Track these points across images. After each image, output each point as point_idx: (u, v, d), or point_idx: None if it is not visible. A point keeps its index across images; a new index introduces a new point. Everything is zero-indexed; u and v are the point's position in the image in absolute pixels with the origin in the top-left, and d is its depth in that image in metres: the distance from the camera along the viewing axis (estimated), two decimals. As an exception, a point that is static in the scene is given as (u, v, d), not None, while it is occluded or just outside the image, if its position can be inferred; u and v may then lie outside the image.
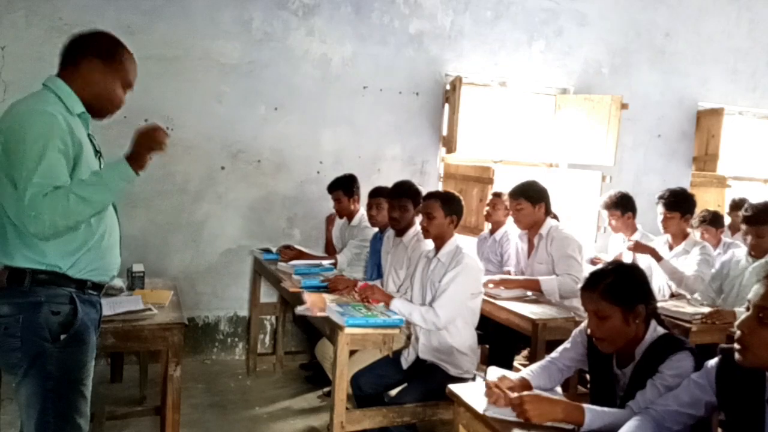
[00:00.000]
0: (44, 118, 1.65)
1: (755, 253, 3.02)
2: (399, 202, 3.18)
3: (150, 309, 2.39)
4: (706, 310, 2.94)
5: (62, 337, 1.74)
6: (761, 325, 1.29)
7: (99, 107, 1.84)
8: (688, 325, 2.81)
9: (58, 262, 1.73)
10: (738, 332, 1.34)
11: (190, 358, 4.09)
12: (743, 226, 3.04)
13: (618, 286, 1.72)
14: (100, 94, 1.81)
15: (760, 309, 1.30)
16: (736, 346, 1.35)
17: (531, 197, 3.24)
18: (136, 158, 1.76)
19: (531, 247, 3.34)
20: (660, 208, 3.53)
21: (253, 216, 4.34)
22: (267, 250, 3.97)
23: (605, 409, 1.63)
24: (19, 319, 1.70)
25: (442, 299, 2.55)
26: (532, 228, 3.29)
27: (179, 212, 4.15)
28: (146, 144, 1.76)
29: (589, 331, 1.77)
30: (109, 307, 2.29)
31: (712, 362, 1.49)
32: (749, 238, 3.02)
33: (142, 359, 3.57)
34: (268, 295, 4.23)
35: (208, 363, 4.25)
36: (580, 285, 2.92)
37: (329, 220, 4.29)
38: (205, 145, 4.17)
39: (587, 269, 3.56)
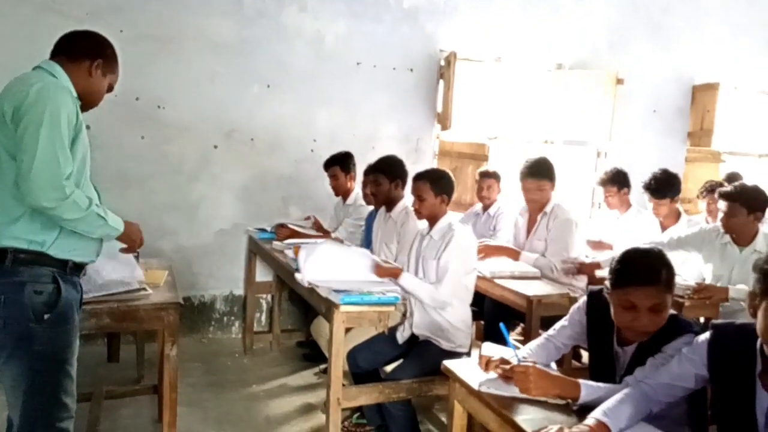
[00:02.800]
0: (68, 96, 1.76)
1: (727, 231, 2.93)
2: (372, 177, 3.26)
3: (145, 289, 2.39)
4: (693, 284, 2.94)
5: (46, 316, 1.74)
6: None
7: (86, 102, 1.90)
8: (681, 300, 2.82)
9: (42, 237, 1.74)
10: None
11: (186, 337, 4.10)
12: (720, 202, 2.97)
13: (672, 274, 1.66)
14: (93, 92, 1.91)
15: None
16: None
17: (552, 177, 3.21)
18: (123, 237, 1.95)
19: (532, 223, 3.33)
20: (647, 196, 3.54)
21: (248, 195, 4.33)
22: (262, 230, 3.97)
23: (601, 384, 1.64)
24: (1, 299, 1.70)
25: (445, 280, 2.56)
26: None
27: (174, 193, 4.13)
28: (130, 242, 2.01)
29: (631, 325, 1.66)
30: (103, 287, 2.28)
31: (704, 337, 1.50)
32: (721, 213, 2.96)
33: (139, 339, 3.58)
34: (263, 274, 4.25)
35: (205, 342, 4.27)
36: (555, 275, 3.01)
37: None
38: (198, 125, 4.13)
39: (587, 251, 3.57)
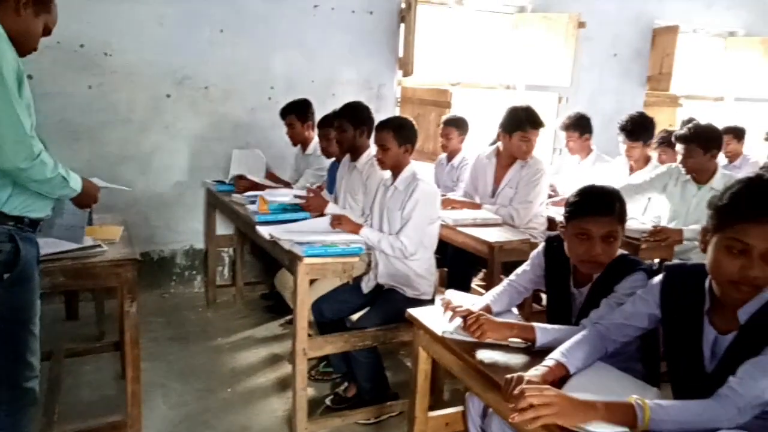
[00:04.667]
0: (5, 44, 1.63)
1: (688, 172, 3.02)
2: (336, 123, 3.14)
3: (100, 246, 2.31)
4: (650, 227, 3.02)
5: (6, 276, 1.69)
6: None
7: (19, 46, 1.73)
8: (637, 242, 2.90)
9: None
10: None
11: (147, 292, 4.03)
12: (677, 145, 3.07)
13: (624, 209, 1.76)
14: (26, 33, 1.75)
15: None
16: None
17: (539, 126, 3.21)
18: (78, 198, 1.93)
19: (502, 170, 3.31)
20: (621, 138, 3.55)
21: (204, 146, 4.19)
22: (220, 182, 3.88)
23: (555, 326, 1.69)
24: None
25: (407, 229, 2.55)
26: None
27: (125, 144, 3.97)
28: (86, 202, 2.00)
29: (585, 256, 1.73)
30: (55, 245, 2.20)
31: (657, 279, 1.54)
32: (679, 156, 3.04)
33: (97, 296, 3.50)
34: (224, 227, 4.18)
35: (167, 297, 4.21)
36: (516, 222, 3.05)
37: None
38: (147, 72, 3.94)
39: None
